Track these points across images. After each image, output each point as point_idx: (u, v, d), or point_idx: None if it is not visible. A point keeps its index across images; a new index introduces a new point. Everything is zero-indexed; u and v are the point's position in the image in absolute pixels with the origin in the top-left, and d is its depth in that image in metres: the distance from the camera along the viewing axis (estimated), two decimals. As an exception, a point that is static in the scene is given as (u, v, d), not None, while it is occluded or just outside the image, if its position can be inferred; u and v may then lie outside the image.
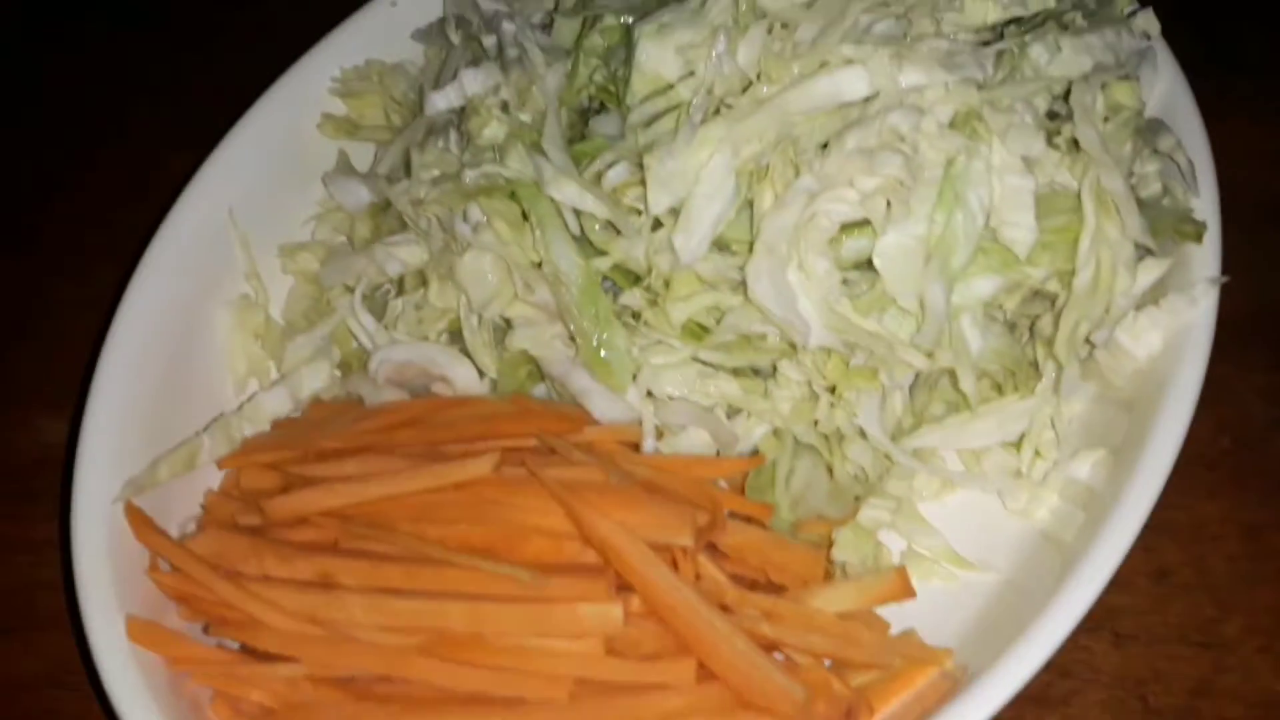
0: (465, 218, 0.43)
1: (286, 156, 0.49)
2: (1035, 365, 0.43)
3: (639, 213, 0.42)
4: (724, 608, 0.38)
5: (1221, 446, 0.52)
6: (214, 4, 0.73)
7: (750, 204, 0.41)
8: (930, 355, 0.40)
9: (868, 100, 0.41)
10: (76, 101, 0.68)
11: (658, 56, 0.41)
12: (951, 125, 0.40)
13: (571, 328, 0.42)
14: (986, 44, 0.44)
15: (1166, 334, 0.42)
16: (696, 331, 0.43)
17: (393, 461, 0.40)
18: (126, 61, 0.70)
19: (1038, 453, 0.44)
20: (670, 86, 0.42)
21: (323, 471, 0.41)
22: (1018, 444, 0.44)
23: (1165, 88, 0.50)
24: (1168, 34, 0.64)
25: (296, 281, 0.49)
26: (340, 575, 0.37)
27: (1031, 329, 0.44)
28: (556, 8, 0.48)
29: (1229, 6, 0.69)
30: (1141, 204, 0.43)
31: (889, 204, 0.39)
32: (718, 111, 0.41)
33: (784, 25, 0.42)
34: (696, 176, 0.40)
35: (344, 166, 0.50)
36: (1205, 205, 0.45)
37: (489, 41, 0.47)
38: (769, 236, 0.39)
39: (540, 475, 0.38)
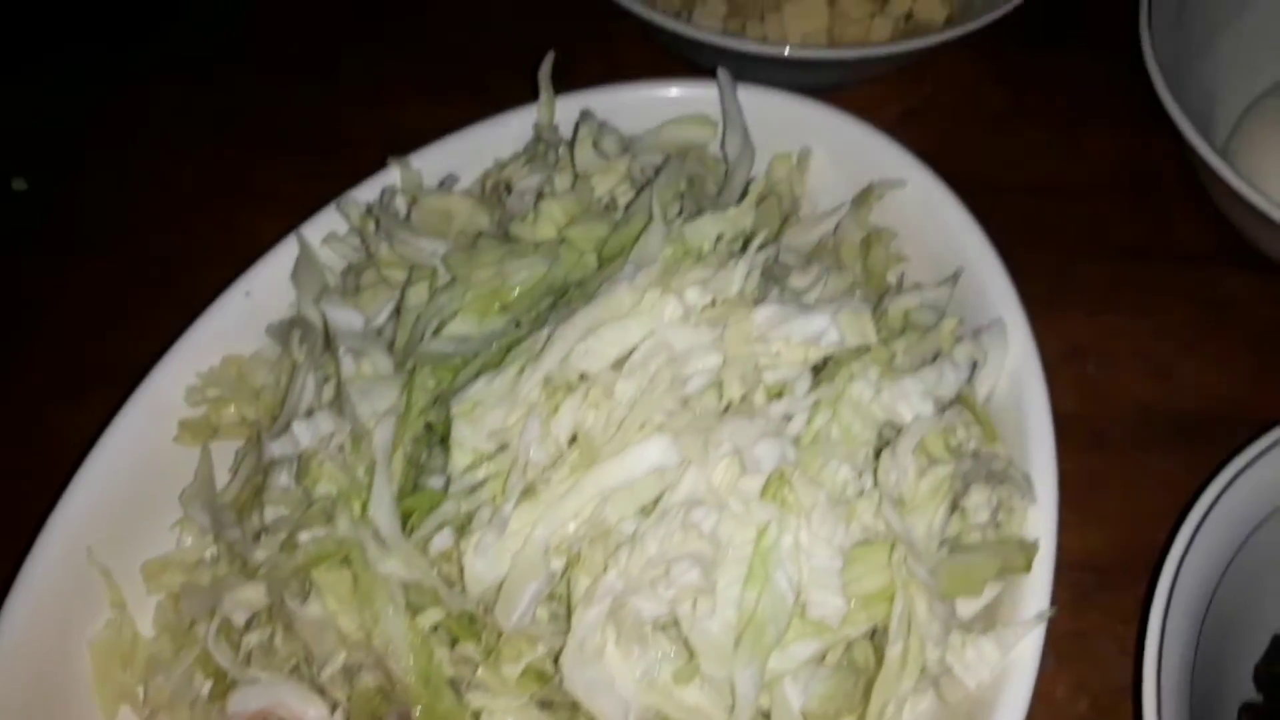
0: (300, 585, 0.44)
1: (146, 473, 0.50)
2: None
3: (472, 567, 0.43)
4: None
5: (1078, 711, 0.53)
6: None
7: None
8: (749, 720, 0.41)
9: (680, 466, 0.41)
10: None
11: (471, 439, 0.42)
12: (762, 492, 0.41)
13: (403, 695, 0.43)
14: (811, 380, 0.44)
15: (994, 669, 0.43)
16: (535, 676, 0.44)
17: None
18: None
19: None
20: (491, 456, 0.43)
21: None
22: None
23: (1015, 363, 0.50)
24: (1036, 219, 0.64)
25: (163, 596, 0.50)
26: None
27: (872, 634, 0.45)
28: (393, 327, 0.48)
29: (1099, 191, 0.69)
30: (965, 548, 0.44)
31: (695, 600, 0.39)
32: (535, 490, 0.41)
33: (597, 385, 0.42)
34: (512, 560, 0.41)
35: (202, 479, 0.50)
36: (1041, 517, 0.45)
37: (327, 370, 0.47)
38: (580, 632, 0.40)
39: None
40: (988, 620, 0.44)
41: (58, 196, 0.73)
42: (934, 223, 0.54)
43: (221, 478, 0.51)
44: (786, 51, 0.61)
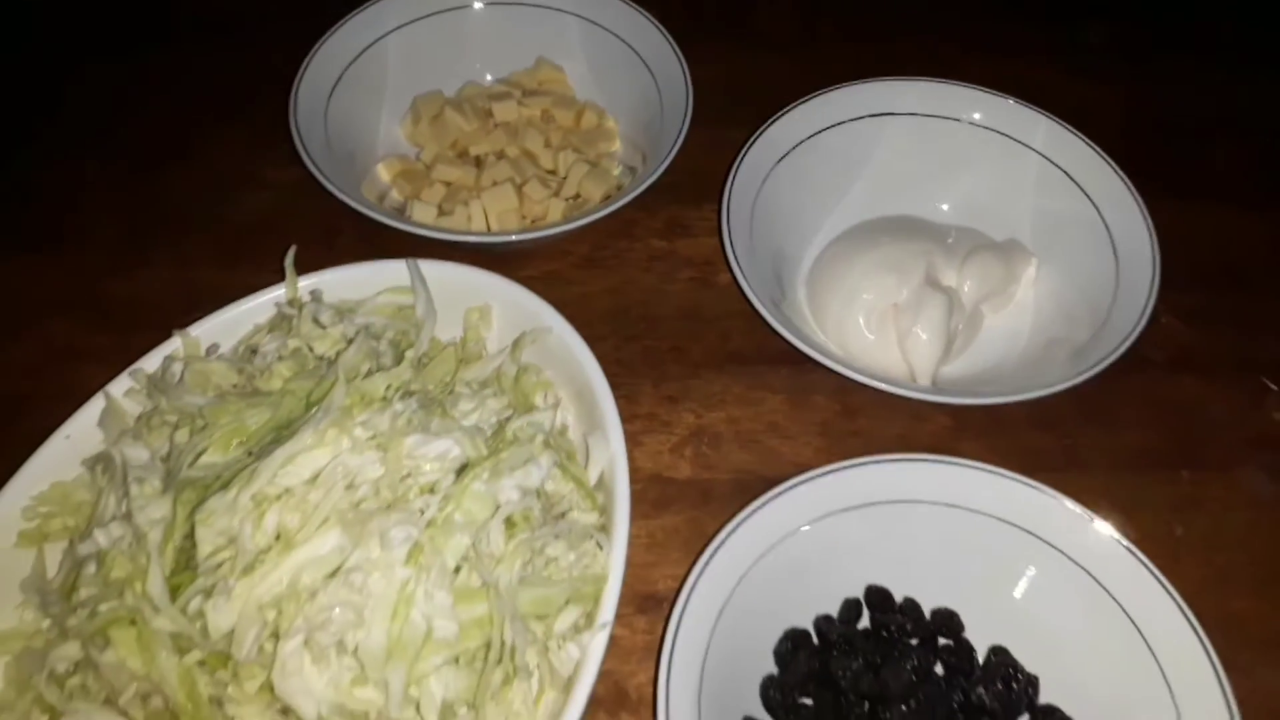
0: (102, 640, 0.64)
1: (-4, 569, 0.70)
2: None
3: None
4: None
5: (632, 687, 0.75)
6: None
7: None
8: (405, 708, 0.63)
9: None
10: None
11: (209, 536, 0.63)
12: (407, 558, 0.63)
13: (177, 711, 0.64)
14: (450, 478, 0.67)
15: (576, 661, 0.66)
16: (268, 689, 0.65)
17: (61, 814, 0.62)
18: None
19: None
20: (223, 547, 0.64)
21: (15, 825, 0.62)
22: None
23: (614, 449, 0.73)
24: (680, 337, 0.87)
25: (9, 659, 0.70)
26: None
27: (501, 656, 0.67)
28: (168, 457, 0.70)
29: (726, 316, 0.93)
30: (548, 583, 0.67)
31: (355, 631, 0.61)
32: (252, 567, 0.63)
33: (295, 494, 0.64)
34: (238, 613, 0.62)
35: (37, 571, 0.71)
36: (613, 561, 0.68)
37: (122, 493, 0.68)
38: (283, 658, 0.61)
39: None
40: (575, 629, 0.67)
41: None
42: (568, 356, 0.78)
43: (51, 571, 0.72)
44: (471, 238, 0.85)
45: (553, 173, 0.97)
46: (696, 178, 1.00)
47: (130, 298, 0.94)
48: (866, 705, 0.69)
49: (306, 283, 0.81)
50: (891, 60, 0.99)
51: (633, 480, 0.79)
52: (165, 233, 0.99)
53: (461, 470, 0.68)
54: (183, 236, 0.99)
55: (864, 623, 0.74)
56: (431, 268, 0.81)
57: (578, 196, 0.94)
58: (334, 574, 0.63)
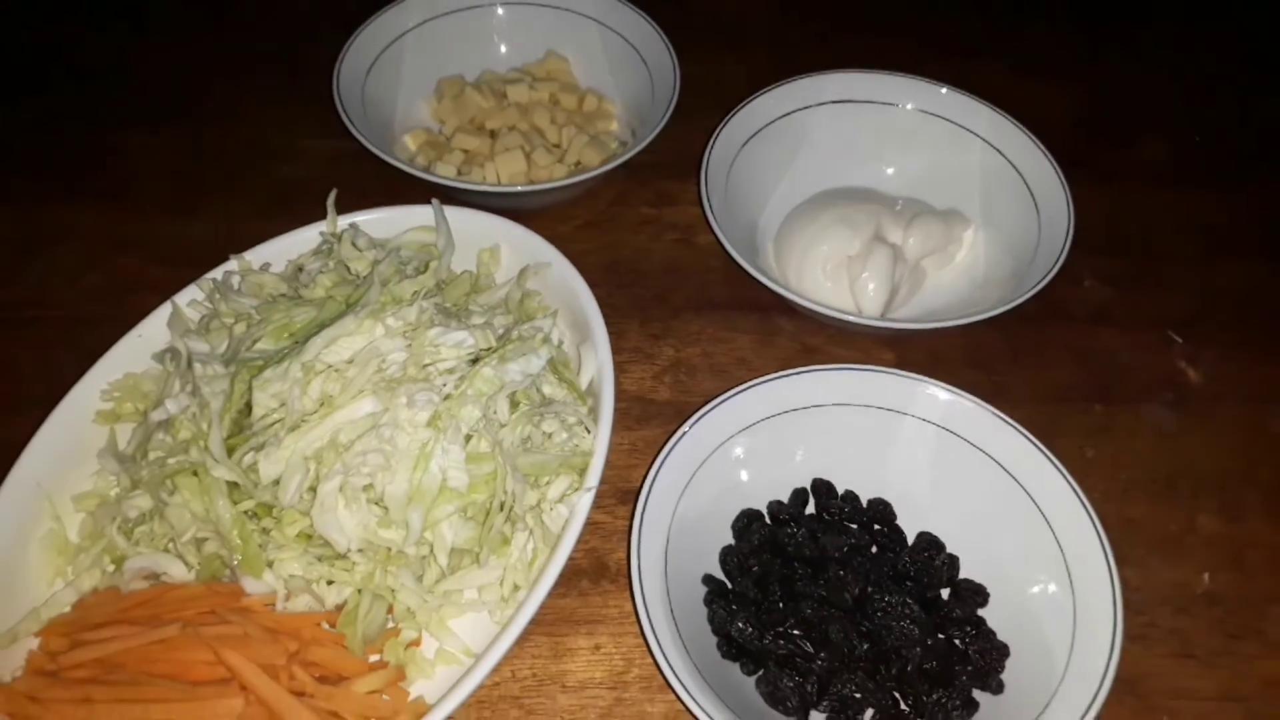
0: (165, 488, 0.77)
1: (77, 441, 0.83)
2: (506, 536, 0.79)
3: (269, 474, 0.77)
4: (304, 693, 0.72)
5: (613, 560, 0.88)
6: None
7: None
8: (420, 547, 0.76)
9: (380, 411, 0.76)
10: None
11: (264, 400, 0.76)
12: (428, 422, 0.76)
13: (229, 547, 0.76)
14: (465, 367, 0.80)
15: (565, 519, 0.78)
16: (305, 537, 0.78)
17: (131, 629, 0.74)
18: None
19: (516, 586, 0.80)
20: (275, 409, 0.77)
21: (92, 636, 0.74)
22: (501, 582, 0.80)
23: (601, 357, 0.86)
24: (664, 287, 1.00)
25: (85, 515, 0.82)
26: (96, 696, 0.71)
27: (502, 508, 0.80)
28: (227, 348, 0.83)
29: (704, 270, 1.07)
30: (544, 451, 0.80)
31: (382, 476, 0.74)
32: (299, 425, 0.76)
33: (336, 370, 0.78)
34: (285, 462, 0.75)
35: (110, 444, 0.84)
36: (598, 442, 0.81)
37: (187, 376, 0.82)
38: (322, 496, 0.74)
39: (201, 634, 0.72)
40: (565, 496, 0.80)
41: None
42: (565, 286, 0.91)
43: (123, 444, 0.84)
44: (484, 187, 0.99)
45: (558, 146, 1.11)
46: (681, 158, 1.14)
47: (184, 241, 1.08)
48: (809, 569, 0.81)
49: (345, 220, 0.95)
50: (856, 58, 1.14)
51: (618, 400, 0.92)
52: (215, 191, 1.13)
53: (474, 362, 0.81)
54: (230, 195, 1.13)
55: (810, 511, 0.87)
56: (451, 212, 0.95)
57: (578, 164, 1.09)
58: (369, 431, 0.76)
